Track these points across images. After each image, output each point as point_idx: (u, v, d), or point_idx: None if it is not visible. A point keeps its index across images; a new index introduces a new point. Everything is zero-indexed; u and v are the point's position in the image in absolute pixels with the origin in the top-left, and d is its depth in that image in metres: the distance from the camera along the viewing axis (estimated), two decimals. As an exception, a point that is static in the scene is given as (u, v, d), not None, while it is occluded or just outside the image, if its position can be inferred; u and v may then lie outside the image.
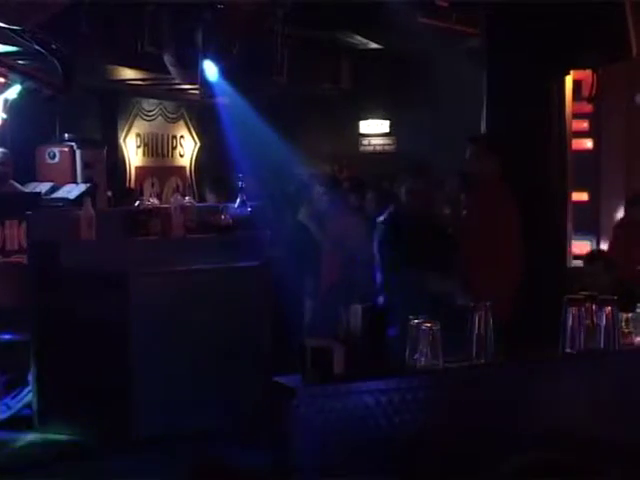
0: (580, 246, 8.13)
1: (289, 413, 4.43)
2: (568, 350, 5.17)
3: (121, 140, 12.08)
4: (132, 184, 12.17)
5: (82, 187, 8.67)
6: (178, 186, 12.38)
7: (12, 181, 8.57)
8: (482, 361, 4.93)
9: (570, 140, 7.30)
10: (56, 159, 9.87)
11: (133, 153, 12.27)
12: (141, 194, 10.88)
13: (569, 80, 7.08)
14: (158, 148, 12.69)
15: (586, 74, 8.73)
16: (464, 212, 6.83)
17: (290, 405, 4.42)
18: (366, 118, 13.29)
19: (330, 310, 7.84)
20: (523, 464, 2.07)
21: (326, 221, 8.67)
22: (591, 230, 8.35)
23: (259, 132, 10.77)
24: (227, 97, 10.31)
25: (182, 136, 13.00)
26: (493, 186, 6.33)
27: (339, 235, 8.54)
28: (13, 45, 8.31)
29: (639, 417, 5.17)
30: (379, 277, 6.22)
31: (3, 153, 8.49)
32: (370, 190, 9.10)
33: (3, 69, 8.72)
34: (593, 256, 7.32)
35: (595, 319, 5.21)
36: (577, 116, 8.25)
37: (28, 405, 6.79)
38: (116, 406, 6.32)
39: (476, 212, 6.43)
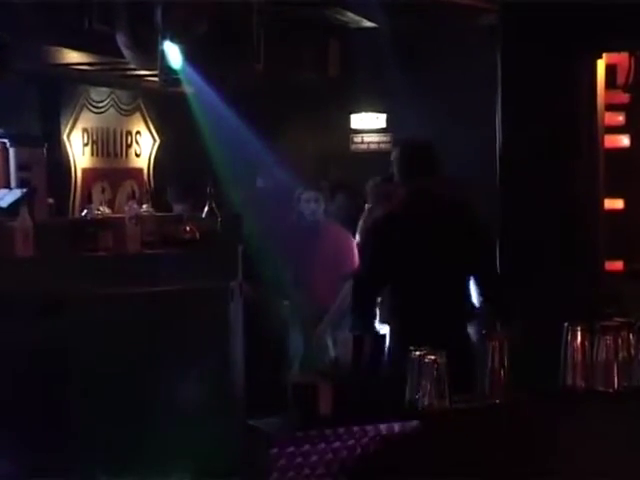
0: (615, 263, 8.16)
1: (265, 463, 4.43)
2: (600, 388, 5.19)
3: (64, 136, 12.07)
4: (78, 190, 12.17)
5: (17, 193, 8.65)
6: (134, 192, 12.36)
7: None
8: (497, 401, 4.94)
9: (602, 136, 7.33)
10: (-14, 159, 9.87)
11: (79, 152, 12.26)
12: (89, 201, 10.86)
13: (601, 65, 7.10)
14: (109, 146, 12.68)
15: (622, 57, 8.78)
16: None
17: (266, 454, 4.42)
18: (358, 111, 13.32)
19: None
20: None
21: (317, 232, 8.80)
22: (627, 243, 8.38)
23: (230, 128, 10.78)
24: (192, 86, 10.31)
25: (138, 132, 13.00)
26: None
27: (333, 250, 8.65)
28: None
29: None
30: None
31: None
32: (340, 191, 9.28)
33: None
34: (631, 274, 7.35)
35: (633, 350, 5.24)
36: (611, 108, 8.26)
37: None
38: (52, 462, 6.32)
39: None
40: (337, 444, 4.49)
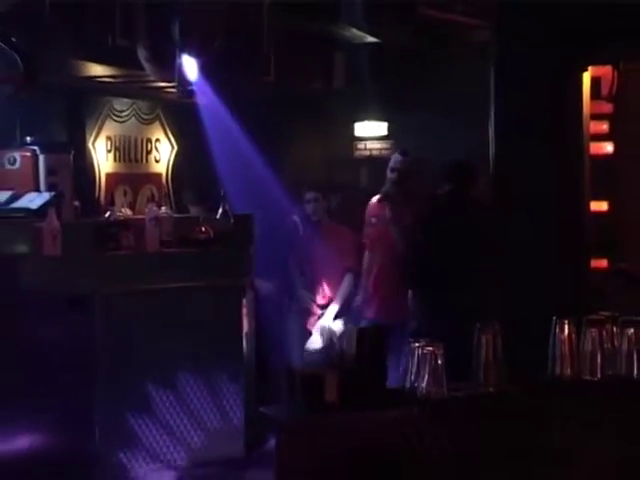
0: (600, 261, 8.13)
1: (276, 447, 4.42)
2: (586, 377, 5.18)
3: (90, 144, 12.04)
4: (102, 193, 12.16)
5: (46, 196, 8.64)
6: (153, 195, 12.32)
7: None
8: (490, 389, 4.93)
9: (588, 144, 7.32)
10: (16, 165, 9.83)
11: (103, 158, 12.24)
12: (112, 204, 10.85)
13: (587, 77, 7.09)
14: (131, 153, 12.64)
15: (606, 70, 8.76)
16: None
17: (276, 439, 4.41)
18: (362, 120, 13.26)
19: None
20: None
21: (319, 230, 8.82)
22: (611, 243, 8.35)
23: (238, 137, 10.77)
24: (206, 97, 10.30)
25: (158, 139, 12.97)
26: None
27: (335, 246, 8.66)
28: (-34, 38, 8.32)
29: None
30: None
31: None
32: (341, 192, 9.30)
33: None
34: (615, 272, 7.33)
35: (616, 342, 5.22)
36: (596, 117, 8.24)
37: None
38: (79, 439, 6.32)
39: None
40: (342, 430, 4.48)
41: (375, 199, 8.01)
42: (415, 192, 7.89)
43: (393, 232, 7.56)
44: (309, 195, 9.02)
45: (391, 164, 7.89)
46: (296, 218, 9.06)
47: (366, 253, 8.19)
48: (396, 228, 7.49)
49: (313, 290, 8.67)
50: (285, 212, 9.07)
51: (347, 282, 8.49)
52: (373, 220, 7.96)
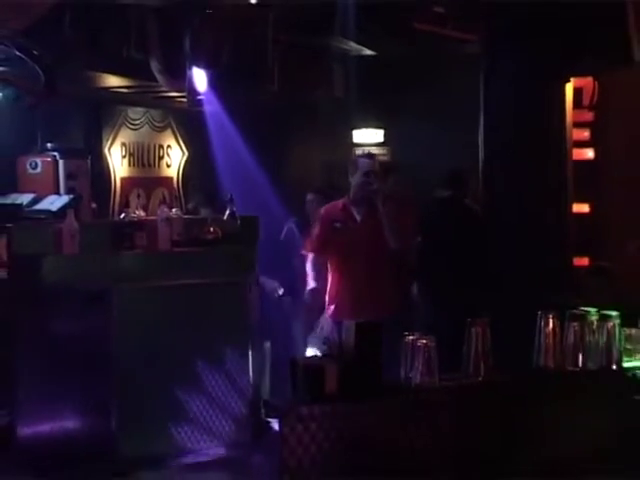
0: (582, 259, 8.13)
1: (279, 433, 4.41)
2: (569, 367, 5.18)
3: (106, 150, 12.05)
4: (117, 195, 12.15)
5: (65, 198, 8.63)
6: (165, 197, 12.33)
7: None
8: (479, 379, 4.93)
9: (571, 150, 7.31)
10: (38, 169, 9.82)
11: (118, 163, 12.24)
12: (126, 206, 10.85)
13: (569, 88, 7.08)
14: (144, 158, 12.65)
15: (587, 81, 8.75)
16: None
17: (280, 426, 4.41)
18: (359, 127, 13.26)
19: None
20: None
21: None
22: (592, 242, 8.34)
23: (239, 144, 10.76)
24: (213, 106, 10.30)
25: (169, 146, 12.98)
26: None
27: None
28: (-8, 51, 8.32)
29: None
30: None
31: None
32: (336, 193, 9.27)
33: (-19, 76, 8.72)
34: (595, 270, 7.32)
35: (597, 335, 5.22)
36: (578, 125, 8.24)
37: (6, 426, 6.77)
38: (98, 423, 6.32)
39: None
40: (341, 418, 4.48)
41: (339, 204, 7.50)
42: (396, 192, 7.80)
43: (390, 233, 7.24)
44: (309, 196, 9.06)
45: (363, 168, 7.33)
46: (292, 224, 9.13)
47: (311, 255, 7.73)
48: (393, 228, 7.25)
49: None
50: (281, 216, 9.09)
51: None
52: (337, 225, 7.38)
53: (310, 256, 7.77)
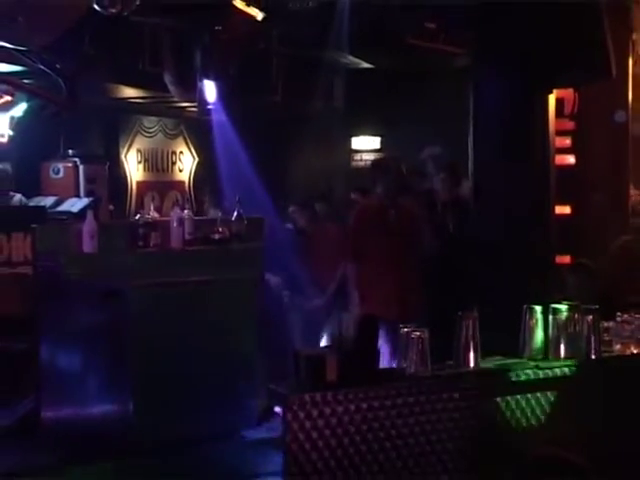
0: (563, 257, 8.13)
1: (283, 419, 4.41)
2: (552, 357, 5.17)
3: (123, 156, 12.07)
4: (133, 198, 12.16)
5: (85, 201, 8.67)
6: (177, 200, 12.35)
7: (12, 193, 8.60)
8: (469, 368, 4.92)
9: (554, 156, 7.30)
10: (60, 174, 9.87)
11: (134, 168, 12.26)
12: (142, 208, 10.86)
13: (552, 98, 7.08)
14: (158, 163, 12.67)
15: (568, 92, 8.76)
16: None
17: (283, 411, 4.41)
18: (358, 135, 13.29)
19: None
20: (537, 459, 2.00)
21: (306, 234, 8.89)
22: (573, 242, 8.35)
23: (240, 152, 10.77)
24: (221, 115, 10.31)
25: (181, 152, 13.00)
26: None
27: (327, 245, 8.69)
28: (20, 65, 8.32)
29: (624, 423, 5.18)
30: None
31: (0, 170, 8.55)
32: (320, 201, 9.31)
33: (10, 88, 8.73)
34: (576, 267, 7.32)
35: (577, 328, 5.22)
36: (560, 133, 8.24)
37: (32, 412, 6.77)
38: (116, 408, 6.32)
39: None
40: (341, 404, 4.48)
41: (374, 205, 7.38)
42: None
43: (426, 234, 7.18)
44: (291, 208, 9.22)
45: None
46: (290, 226, 9.22)
47: (352, 265, 7.34)
48: (427, 229, 7.17)
49: (313, 282, 8.72)
50: (276, 220, 9.14)
51: (341, 270, 8.49)
52: (374, 226, 7.21)
53: (351, 265, 7.39)
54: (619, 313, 5.51)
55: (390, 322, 5.87)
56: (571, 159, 8.94)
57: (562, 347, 5.18)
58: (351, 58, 11.00)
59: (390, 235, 7.22)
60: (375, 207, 7.42)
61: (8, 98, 9.08)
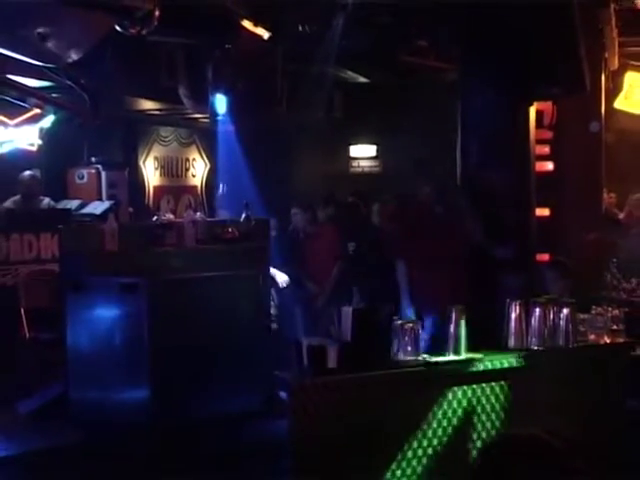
0: (543, 255, 8.13)
1: (288, 403, 4.42)
2: (534, 347, 5.19)
3: (141, 163, 12.07)
4: (150, 201, 12.17)
5: (107, 204, 8.67)
6: (190, 203, 12.35)
7: (42, 197, 8.60)
8: (458, 357, 4.93)
9: (534, 163, 7.32)
10: (84, 179, 9.87)
11: (151, 174, 12.26)
12: (158, 210, 10.87)
13: (532, 110, 7.09)
14: (173, 169, 12.67)
15: (547, 105, 8.77)
16: None
17: (288, 396, 4.42)
18: (356, 143, 13.29)
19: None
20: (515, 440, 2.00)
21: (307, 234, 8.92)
22: (552, 241, 8.36)
23: (241, 159, 10.77)
24: (228, 125, 10.32)
25: (194, 159, 12.99)
26: None
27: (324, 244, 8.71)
28: (48, 81, 8.34)
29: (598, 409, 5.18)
30: None
31: (30, 175, 8.57)
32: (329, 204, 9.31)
33: (39, 101, 8.74)
34: (554, 264, 7.32)
35: (556, 319, 5.23)
36: (540, 142, 8.25)
37: (60, 395, 6.77)
38: (136, 392, 6.32)
39: None
40: (340, 389, 4.49)
41: (420, 205, 7.14)
42: None
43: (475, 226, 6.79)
44: (293, 210, 9.21)
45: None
46: (293, 227, 9.23)
47: (402, 264, 6.85)
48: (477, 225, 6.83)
49: (313, 278, 8.74)
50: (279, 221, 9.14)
51: (337, 268, 8.53)
52: (421, 225, 6.90)
53: (401, 265, 6.91)
54: (594, 306, 5.52)
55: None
56: (550, 166, 8.96)
57: (543, 337, 5.19)
58: (350, 73, 11.01)
59: (438, 235, 6.84)
60: (421, 208, 7.16)
61: (38, 111, 9.09)
